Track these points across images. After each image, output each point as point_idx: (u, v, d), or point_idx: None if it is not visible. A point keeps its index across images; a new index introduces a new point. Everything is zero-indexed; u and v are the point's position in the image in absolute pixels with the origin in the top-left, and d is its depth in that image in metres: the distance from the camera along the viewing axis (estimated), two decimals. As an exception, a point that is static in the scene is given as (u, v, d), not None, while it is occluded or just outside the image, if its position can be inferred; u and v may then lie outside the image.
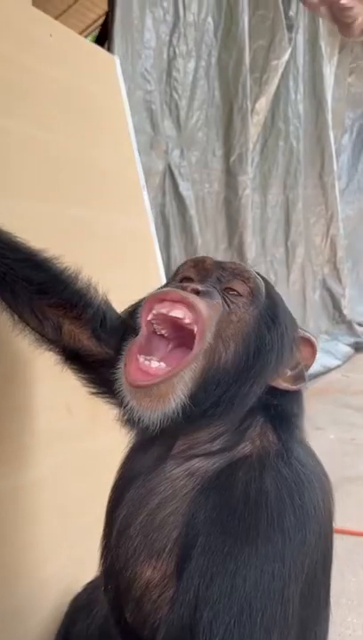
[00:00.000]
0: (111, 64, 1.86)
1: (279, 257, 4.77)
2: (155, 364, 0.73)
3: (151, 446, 0.80)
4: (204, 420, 0.74)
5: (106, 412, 1.34)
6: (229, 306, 0.74)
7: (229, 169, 3.85)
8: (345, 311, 5.70)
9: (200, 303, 0.72)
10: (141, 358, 0.73)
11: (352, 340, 5.60)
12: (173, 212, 3.30)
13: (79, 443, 1.33)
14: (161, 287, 0.80)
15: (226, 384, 0.72)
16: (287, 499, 0.68)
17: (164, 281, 2.26)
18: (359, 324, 6.13)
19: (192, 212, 3.37)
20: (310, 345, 0.80)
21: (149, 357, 0.74)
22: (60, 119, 1.55)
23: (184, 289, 0.74)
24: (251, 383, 0.74)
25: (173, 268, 3.23)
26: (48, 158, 1.47)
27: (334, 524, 0.75)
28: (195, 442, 0.76)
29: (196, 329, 0.71)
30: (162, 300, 0.74)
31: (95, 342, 0.92)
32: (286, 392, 0.77)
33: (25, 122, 1.41)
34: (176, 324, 0.73)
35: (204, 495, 0.72)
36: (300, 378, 0.77)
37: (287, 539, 0.67)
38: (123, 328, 0.87)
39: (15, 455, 1.17)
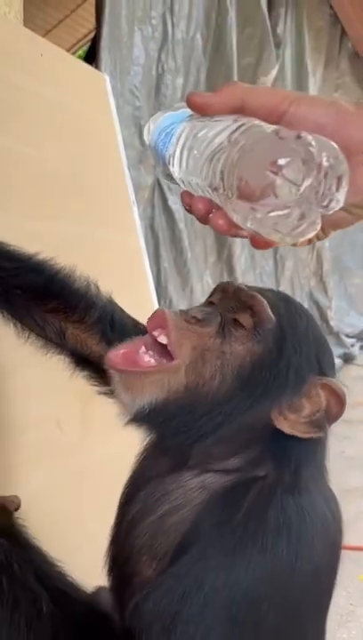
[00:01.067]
0: (101, 82, 1.89)
1: (268, 270, 4.81)
2: (146, 358, 0.74)
3: (167, 452, 0.81)
4: (196, 437, 0.74)
5: (96, 426, 1.34)
6: (224, 336, 0.73)
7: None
8: (332, 323, 5.75)
9: (177, 331, 0.72)
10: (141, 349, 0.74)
11: (341, 351, 5.64)
12: (162, 225, 3.32)
13: (70, 458, 1.33)
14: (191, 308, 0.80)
15: (209, 407, 0.72)
16: (285, 535, 0.68)
17: (154, 295, 2.27)
18: (347, 336, 6.18)
19: (181, 225, 3.40)
20: (336, 393, 0.73)
21: (145, 351, 0.75)
22: (50, 137, 1.57)
23: (187, 315, 0.75)
24: (238, 415, 0.72)
25: (163, 281, 3.25)
26: (38, 175, 1.49)
27: (335, 584, 0.74)
28: (209, 456, 0.77)
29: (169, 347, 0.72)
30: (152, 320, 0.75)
31: (106, 347, 0.86)
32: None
33: (15, 139, 1.43)
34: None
35: (210, 509, 0.72)
36: (316, 426, 0.72)
37: (275, 568, 0.67)
38: (138, 332, 0.85)
39: (4, 472, 1.17)
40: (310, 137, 0.45)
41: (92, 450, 1.30)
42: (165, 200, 3.34)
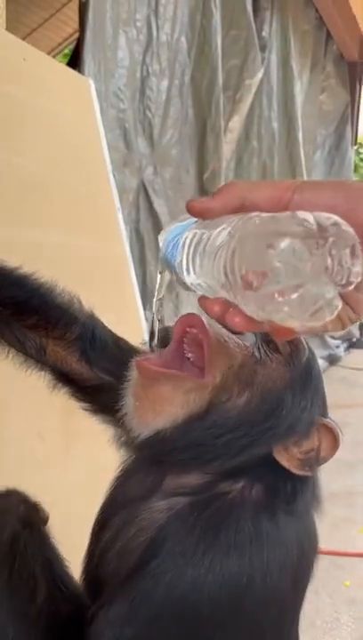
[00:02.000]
0: (85, 86, 1.87)
1: (253, 272, 4.81)
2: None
3: (144, 476, 0.79)
4: (195, 459, 0.73)
5: (79, 438, 1.33)
6: (260, 356, 0.70)
7: (202, 186, 3.89)
8: (318, 325, 5.77)
9: (214, 344, 0.70)
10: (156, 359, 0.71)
11: (326, 352, 5.67)
12: (147, 228, 3.31)
13: (52, 470, 1.31)
14: None
15: (225, 428, 0.70)
16: (234, 553, 0.67)
17: (139, 302, 2.26)
18: (332, 337, 6.21)
19: (167, 229, 3.39)
20: (332, 435, 0.72)
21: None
22: (33, 142, 1.55)
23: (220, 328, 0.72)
24: (251, 441, 0.70)
25: (149, 284, 3.23)
26: (21, 181, 1.47)
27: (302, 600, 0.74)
28: (183, 482, 0.75)
29: (201, 359, 0.70)
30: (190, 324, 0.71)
31: (85, 366, 0.85)
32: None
33: (-3, 145, 1.41)
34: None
35: (172, 523, 0.72)
36: (308, 465, 0.71)
37: (224, 585, 0.66)
38: (119, 350, 0.83)
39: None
40: (306, 214, 0.43)
41: (75, 461, 1.28)
42: (150, 203, 3.33)
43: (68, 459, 1.31)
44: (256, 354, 0.70)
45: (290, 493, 0.72)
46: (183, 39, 3.70)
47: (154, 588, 0.67)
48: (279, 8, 4.86)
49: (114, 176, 2.13)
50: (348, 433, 3.72)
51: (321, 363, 5.44)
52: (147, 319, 2.41)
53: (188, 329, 0.72)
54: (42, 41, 6.86)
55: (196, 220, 0.56)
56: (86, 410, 0.89)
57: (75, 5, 5.43)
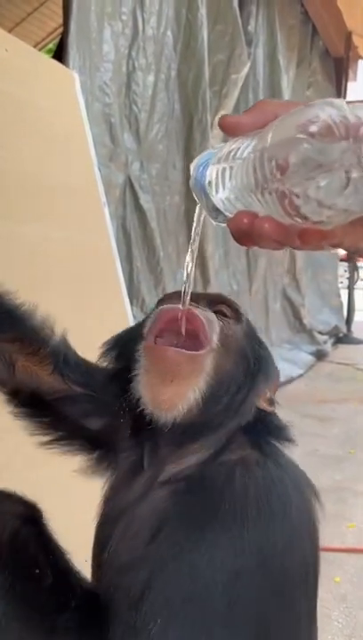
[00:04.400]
0: (70, 79, 1.84)
1: (241, 268, 4.81)
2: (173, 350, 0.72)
3: (138, 478, 0.78)
4: (201, 435, 0.75)
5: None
6: (221, 322, 0.76)
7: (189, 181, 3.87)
8: (305, 320, 5.79)
9: (207, 318, 0.74)
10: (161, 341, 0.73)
11: (314, 348, 5.68)
12: (134, 224, 3.29)
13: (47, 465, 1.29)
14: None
15: (228, 395, 0.74)
16: (253, 494, 0.69)
17: (126, 297, 2.24)
18: (320, 332, 6.23)
19: (153, 224, 3.37)
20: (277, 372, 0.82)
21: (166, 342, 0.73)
22: (16, 136, 1.52)
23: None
24: (246, 398, 0.76)
25: (135, 280, 3.21)
26: (3, 174, 1.44)
27: (316, 537, 0.73)
28: (183, 466, 0.76)
29: (202, 333, 0.73)
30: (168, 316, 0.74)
31: (58, 378, 0.87)
32: (263, 413, 0.78)
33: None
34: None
35: (173, 498, 0.73)
36: (272, 400, 0.79)
37: (246, 532, 0.67)
38: (90, 366, 0.85)
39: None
40: (342, 101, 0.41)
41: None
42: (136, 199, 3.31)
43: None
44: (219, 322, 0.75)
45: (274, 447, 0.76)
46: (169, 33, 3.67)
47: (169, 562, 0.67)
48: (265, 3, 4.85)
49: (100, 171, 2.11)
50: (335, 427, 3.74)
51: (310, 359, 5.46)
52: (135, 316, 2.39)
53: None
54: (25, 35, 6.78)
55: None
56: (48, 442, 0.87)
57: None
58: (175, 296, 0.78)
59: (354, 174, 0.41)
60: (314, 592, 0.74)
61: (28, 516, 0.77)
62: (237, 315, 0.79)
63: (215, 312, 0.77)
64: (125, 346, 0.80)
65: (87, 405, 0.84)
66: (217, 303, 0.79)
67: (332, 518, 2.46)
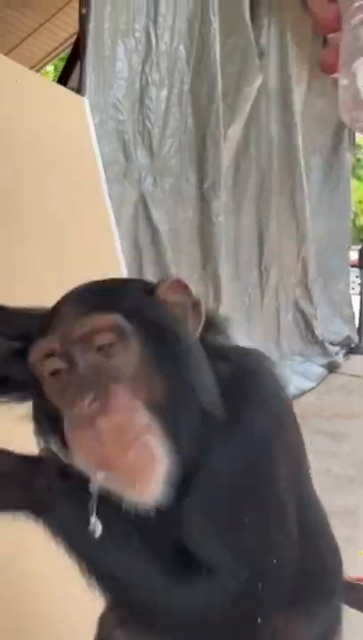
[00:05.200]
0: (80, 105, 1.84)
1: (253, 280, 4.79)
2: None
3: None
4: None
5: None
6: (111, 367, 0.69)
7: (202, 195, 3.86)
8: (317, 332, 5.75)
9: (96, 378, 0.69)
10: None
11: (325, 360, 5.64)
12: (146, 241, 3.28)
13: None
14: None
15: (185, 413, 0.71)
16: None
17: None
18: (332, 344, 6.18)
19: (165, 242, 3.36)
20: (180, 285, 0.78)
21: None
22: (28, 163, 1.51)
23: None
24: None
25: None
26: (13, 203, 1.43)
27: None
28: None
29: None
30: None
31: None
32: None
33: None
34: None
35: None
36: (199, 313, 0.77)
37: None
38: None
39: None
40: None
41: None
42: (149, 216, 3.30)
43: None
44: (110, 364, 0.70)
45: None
46: (182, 48, 3.67)
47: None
48: (277, 15, 4.83)
49: (111, 191, 2.09)
50: (348, 445, 3.70)
51: (321, 371, 5.42)
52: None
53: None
54: (37, 46, 6.82)
55: None
56: None
57: (70, 10, 5.41)
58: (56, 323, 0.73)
59: None
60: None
61: None
62: (120, 335, 0.70)
63: (98, 350, 0.69)
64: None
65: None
66: (92, 335, 0.70)
67: (343, 543, 2.42)
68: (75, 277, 1.63)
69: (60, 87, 1.85)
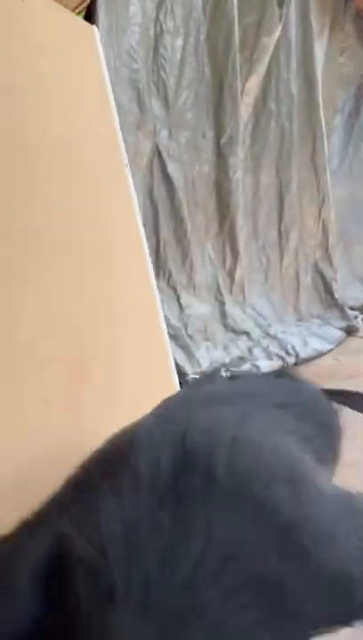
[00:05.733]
0: (90, 34, 1.76)
1: (272, 240, 4.69)
2: None
3: None
4: None
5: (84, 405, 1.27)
6: None
7: (219, 151, 3.76)
8: (337, 295, 5.65)
9: None
10: None
11: (344, 324, 5.55)
12: (161, 194, 3.21)
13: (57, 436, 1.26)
14: None
15: None
16: None
17: (151, 267, 2.18)
18: (351, 308, 6.08)
19: (181, 194, 3.29)
20: None
21: None
22: (32, 90, 1.45)
23: None
24: None
25: (162, 252, 3.12)
26: (19, 140, 1.38)
27: None
28: None
29: None
30: None
31: None
32: None
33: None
34: None
35: None
36: None
37: None
38: None
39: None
40: None
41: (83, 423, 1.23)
42: (164, 167, 3.22)
43: (74, 425, 1.26)
44: None
45: None
46: (198, -6, 3.53)
47: None
48: None
49: (124, 142, 2.02)
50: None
51: (340, 334, 5.34)
52: (160, 288, 2.33)
53: None
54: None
55: None
56: None
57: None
58: None
59: None
60: None
61: None
62: None
63: None
64: None
65: None
66: None
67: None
68: (84, 207, 1.59)
69: (69, 12, 1.78)
